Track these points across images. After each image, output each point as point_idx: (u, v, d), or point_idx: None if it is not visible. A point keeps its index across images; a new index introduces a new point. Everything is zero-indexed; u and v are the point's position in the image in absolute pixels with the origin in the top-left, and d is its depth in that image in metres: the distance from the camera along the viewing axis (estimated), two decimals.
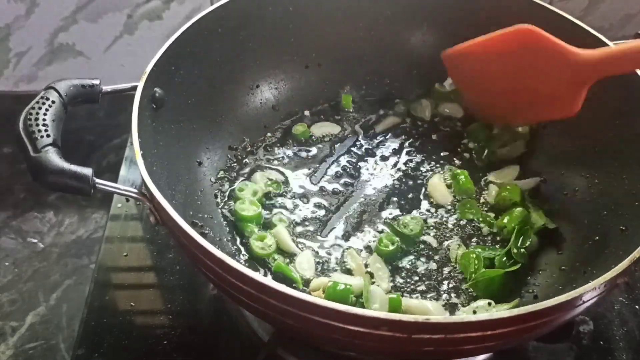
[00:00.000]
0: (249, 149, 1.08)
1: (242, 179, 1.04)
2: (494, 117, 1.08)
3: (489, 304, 0.87)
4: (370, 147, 1.11)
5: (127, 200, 1.07)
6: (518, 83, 0.98)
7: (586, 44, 0.96)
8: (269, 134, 1.11)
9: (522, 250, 0.92)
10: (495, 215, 0.99)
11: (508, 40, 0.95)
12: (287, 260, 0.93)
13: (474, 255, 0.91)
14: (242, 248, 0.95)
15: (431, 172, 1.06)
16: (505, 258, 0.91)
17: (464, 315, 0.83)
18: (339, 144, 1.11)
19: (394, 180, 1.05)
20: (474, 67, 1.03)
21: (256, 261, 0.93)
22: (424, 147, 1.11)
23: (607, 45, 0.93)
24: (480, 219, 0.98)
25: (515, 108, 1.02)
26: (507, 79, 0.99)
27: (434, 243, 0.95)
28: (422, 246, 0.95)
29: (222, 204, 1.00)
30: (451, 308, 0.88)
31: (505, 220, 0.95)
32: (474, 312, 0.86)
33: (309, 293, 0.88)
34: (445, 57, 1.07)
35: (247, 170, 1.05)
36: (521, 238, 0.93)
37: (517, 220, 0.94)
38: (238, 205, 0.97)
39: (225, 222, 0.97)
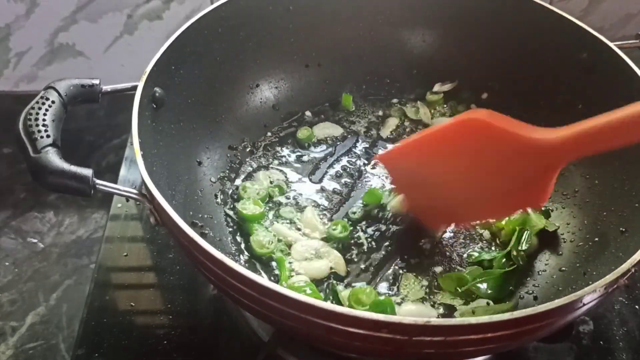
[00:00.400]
0: (249, 148, 1.08)
1: (242, 178, 1.04)
2: (448, 219, 0.94)
3: (487, 304, 0.87)
4: (370, 147, 1.11)
5: (127, 200, 1.07)
6: (473, 179, 0.83)
7: (586, 44, 0.96)
8: (269, 134, 1.11)
9: (522, 252, 0.92)
10: None
11: (455, 133, 0.81)
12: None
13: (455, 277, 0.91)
14: (242, 248, 0.95)
15: None
16: (504, 260, 0.91)
17: (464, 317, 0.83)
18: (339, 144, 1.11)
19: None
20: (417, 166, 0.88)
21: (257, 261, 0.93)
22: None
23: (607, 46, 0.93)
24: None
25: (472, 207, 0.87)
26: (459, 175, 0.84)
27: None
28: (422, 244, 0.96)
29: (223, 204, 1.00)
30: (450, 308, 0.88)
31: (503, 223, 0.95)
32: (473, 313, 0.86)
33: None
34: (383, 160, 0.95)
35: (247, 170, 1.05)
36: (521, 240, 0.92)
37: (516, 223, 0.94)
38: (241, 205, 0.98)
39: (225, 222, 0.97)
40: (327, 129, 1.13)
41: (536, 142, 0.73)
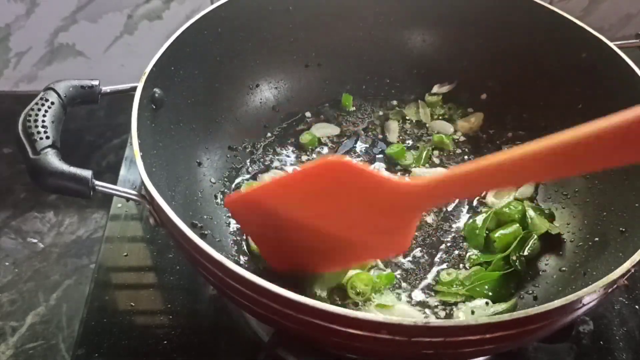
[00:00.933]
0: (249, 149, 1.08)
1: (243, 178, 1.04)
2: (301, 266, 0.87)
3: (487, 303, 0.87)
4: (370, 147, 1.11)
5: (127, 200, 1.06)
6: (331, 223, 0.78)
7: (586, 44, 0.96)
8: (269, 134, 1.11)
9: (522, 257, 0.91)
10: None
11: (314, 177, 0.76)
12: None
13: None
14: (243, 249, 0.95)
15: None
16: (502, 262, 0.91)
17: (463, 318, 0.83)
18: (341, 144, 1.11)
19: None
20: (271, 213, 0.81)
21: (257, 261, 0.93)
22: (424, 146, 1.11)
23: (607, 46, 0.93)
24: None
25: (331, 253, 0.83)
26: (317, 221, 0.79)
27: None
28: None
29: (223, 204, 1.00)
30: (449, 308, 0.88)
31: (497, 235, 0.93)
32: (472, 313, 0.86)
33: None
34: (231, 207, 0.87)
35: (247, 170, 1.05)
36: (524, 245, 0.92)
37: (511, 237, 0.93)
38: None
39: (226, 223, 0.97)
40: (325, 129, 1.12)
41: (397, 186, 0.73)
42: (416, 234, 0.97)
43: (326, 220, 0.78)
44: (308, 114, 1.15)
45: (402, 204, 0.73)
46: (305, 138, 1.10)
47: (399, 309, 0.87)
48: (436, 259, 0.94)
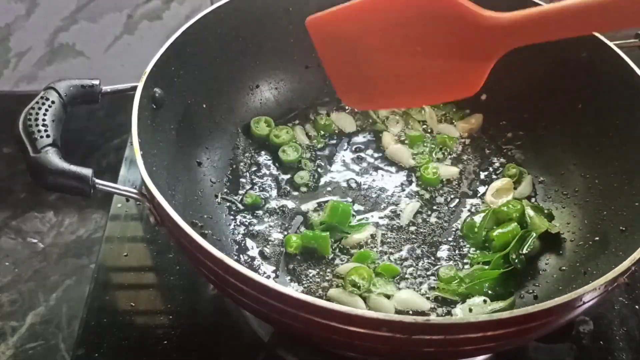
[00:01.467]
0: (249, 149, 1.08)
1: (243, 180, 1.04)
2: (375, 101, 0.89)
3: (484, 301, 0.87)
4: (372, 145, 1.11)
5: (127, 200, 1.07)
6: (411, 55, 0.76)
7: (586, 44, 0.96)
8: None
9: (522, 255, 0.91)
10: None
11: (397, 1, 0.73)
12: None
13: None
14: (242, 247, 0.95)
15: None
16: (502, 261, 0.91)
17: (463, 316, 0.83)
18: (343, 140, 1.11)
19: (399, 182, 1.05)
20: (351, 37, 0.79)
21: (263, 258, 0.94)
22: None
23: (607, 46, 0.93)
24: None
25: (402, 88, 0.81)
26: (396, 49, 0.76)
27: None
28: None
29: (222, 204, 1.00)
30: (447, 305, 0.88)
31: (495, 234, 0.93)
32: (470, 310, 0.86)
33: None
34: (312, 26, 0.83)
35: (247, 171, 1.05)
36: (523, 243, 0.92)
37: (509, 236, 0.92)
38: (281, 151, 1.06)
39: (226, 223, 0.97)
40: (342, 120, 1.13)
41: (484, 19, 0.69)
42: (417, 231, 0.97)
43: (405, 46, 0.75)
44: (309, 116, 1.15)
45: (486, 38, 0.70)
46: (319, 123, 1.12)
47: (402, 296, 0.88)
48: (437, 257, 0.94)
